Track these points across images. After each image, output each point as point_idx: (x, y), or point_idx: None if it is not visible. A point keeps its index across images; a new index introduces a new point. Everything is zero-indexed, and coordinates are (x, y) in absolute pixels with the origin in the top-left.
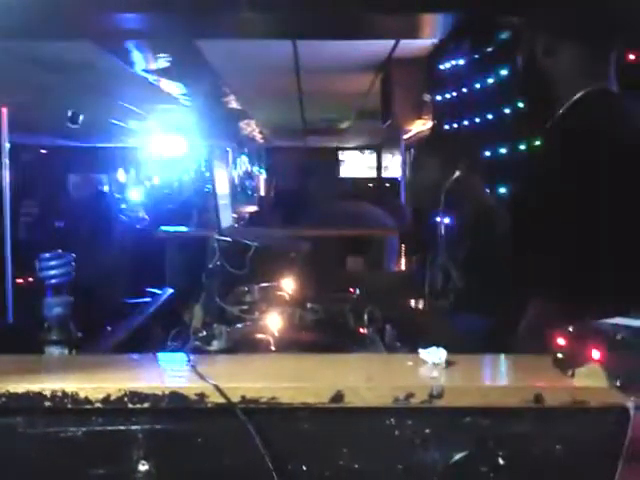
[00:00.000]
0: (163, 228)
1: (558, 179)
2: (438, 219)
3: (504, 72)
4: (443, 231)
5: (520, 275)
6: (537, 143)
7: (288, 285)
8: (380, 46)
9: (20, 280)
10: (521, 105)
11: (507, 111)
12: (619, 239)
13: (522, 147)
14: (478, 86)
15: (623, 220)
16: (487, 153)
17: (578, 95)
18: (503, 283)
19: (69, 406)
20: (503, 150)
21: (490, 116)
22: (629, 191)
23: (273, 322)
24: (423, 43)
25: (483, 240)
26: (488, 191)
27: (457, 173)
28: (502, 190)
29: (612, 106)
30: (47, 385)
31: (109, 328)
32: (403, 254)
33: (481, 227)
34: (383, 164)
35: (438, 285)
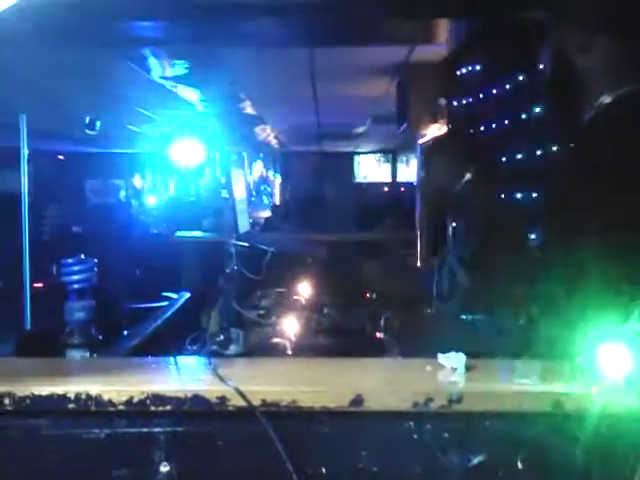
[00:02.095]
0: (180, 233)
1: (596, 178)
2: (448, 222)
3: (525, 74)
4: (452, 233)
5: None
6: (571, 144)
7: (304, 290)
8: (396, 51)
9: (39, 284)
10: (548, 105)
11: (531, 113)
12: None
13: (553, 148)
14: (495, 90)
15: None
16: (504, 158)
17: (617, 93)
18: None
19: (92, 408)
20: (525, 153)
21: (507, 120)
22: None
23: (289, 327)
24: (439, 48)
25: (493, 243)
26: (503, 195)
27: (467, 176)
28: (521, 194)
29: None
30: (71, 387)
31: (126, 332)
32: (419, 258)
33: (488, 230)
34: (398, 169)
35: (445, 286)
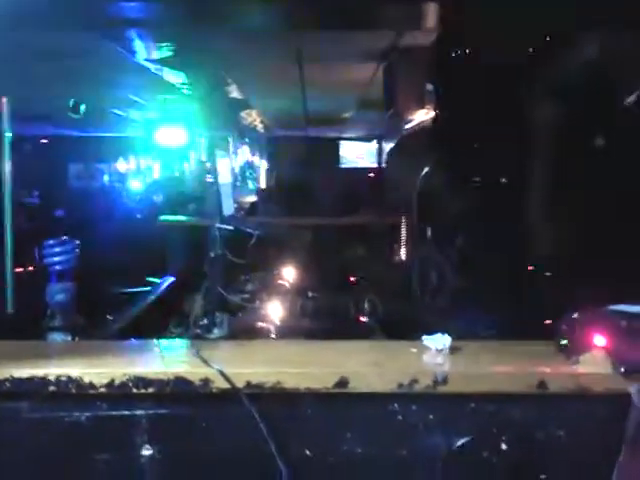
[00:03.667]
0: (164, 217)
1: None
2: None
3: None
4: (429, 230)
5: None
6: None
7: (289, 274)
8: (383, 36)
9: (20, 269)
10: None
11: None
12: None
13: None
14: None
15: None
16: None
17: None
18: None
19: (73, 391)
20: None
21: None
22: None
23: (274, 310)
24: (427, 33)
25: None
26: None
27: (425, 169)
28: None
29: None
30: (51, 370)
31: (110, 317)
32: (404, 244)
33: (460, 225)
34: (384, 154)
35: (431, 284)
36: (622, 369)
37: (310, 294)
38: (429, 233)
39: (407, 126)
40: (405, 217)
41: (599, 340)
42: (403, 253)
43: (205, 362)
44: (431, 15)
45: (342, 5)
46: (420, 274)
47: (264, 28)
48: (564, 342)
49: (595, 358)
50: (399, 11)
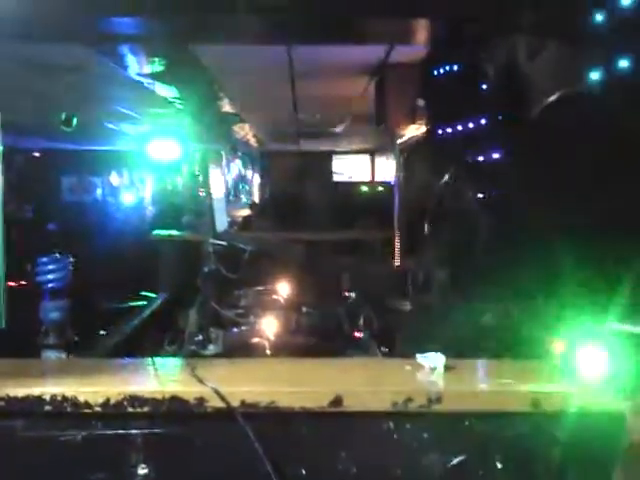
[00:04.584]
0: (157, 232)
1: (533, 180)
2: (426, 223)
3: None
4: (430, 234)
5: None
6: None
7: (283, 289)
8: (374, 50)
9: (12, 283)
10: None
11: (489, 117)
12: (597, 239)
13: (499, 153)
14: (467, 93)
15: (602, 220)
16: (479, 159)
17: (551, 99)
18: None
19: (69, 410)
20: (485, 156)
21: (473, 124)
22: (600, 190)
23: (269, 326)
24: (418, 48)
25: (467, 241)
26: (481, 195)
27: (446, 177)
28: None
29: (582, 108)
30: (47, 389)
31: (103, 332)
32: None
33: (466, 230)
34: (376, 169)
35: (419, 282)
36: (615, 387)
37: (304, 309)
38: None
39: (399, 141)
40: (400, 230)
41: (593, 358)
42: (398, 266)
43: (200, 381)
44: (422, 30)
45: (334, 20)
46: (412, 276)
47: (256, 42)
48: (558, 360)
49: (589, 376)
50: (391, 26)
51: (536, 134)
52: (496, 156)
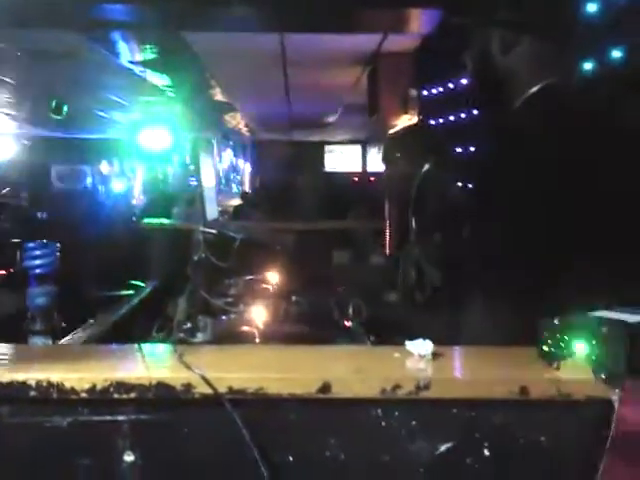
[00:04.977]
0: (147, 220)
1: (511, 176)
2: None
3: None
4: (415, 226)
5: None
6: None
7: (273, 278)
8: (367, 40)
9: (1, 272)
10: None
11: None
12: (586, 231)
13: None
14: (452, 85)
15: (586, 211)
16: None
17: (529, 92)
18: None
19: (54, 396)
20: (465, 147)
21: (460, 114)
22: (582, 184)
23: (258, 315)
24: (411, 37)
25: (451, 235)
26: (461, 185)
27: (426, 167)
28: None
29: (563, 100)
30: (32, 375)
31: (91, 320)
32: (387, 248)
33: (449, 222)
34: (368, 159)
35: (411, 281)
36: (603, 375)
37: (294, 298)
38: (417, 231)
39: (391, 131)
40: (390, 221)
41: (580, 346)
42: (388, 255)
43: (187, 367)
44: (416, 19)
45: (327, 8)
46: (403, 274)
47: (248, 30)
48: (546, 348)
49: (576, 364)
50: (384, 15)
51: (518, 125)
52: (475, 147)
